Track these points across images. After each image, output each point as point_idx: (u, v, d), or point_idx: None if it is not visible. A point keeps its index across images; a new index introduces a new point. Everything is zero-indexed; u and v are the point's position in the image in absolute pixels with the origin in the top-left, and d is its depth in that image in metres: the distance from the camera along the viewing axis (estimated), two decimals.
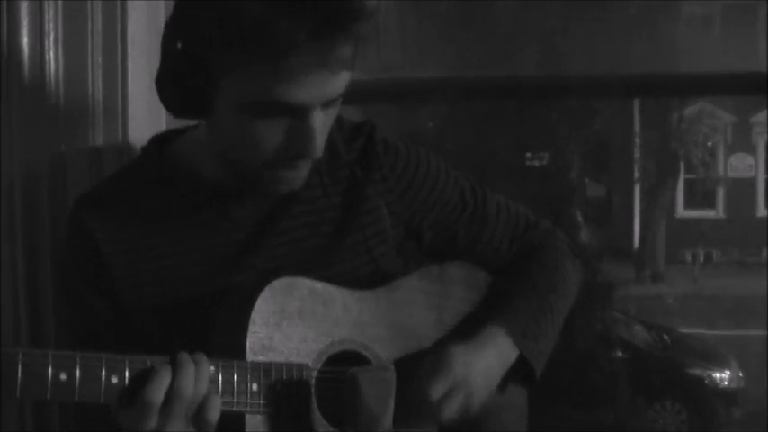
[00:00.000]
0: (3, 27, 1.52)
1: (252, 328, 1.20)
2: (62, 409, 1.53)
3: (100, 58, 1.58)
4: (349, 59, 1.17)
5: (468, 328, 1.36)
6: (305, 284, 1.26)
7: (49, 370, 1.06)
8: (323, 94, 1.17)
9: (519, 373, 1.38)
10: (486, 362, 1.32)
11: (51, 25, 1.54)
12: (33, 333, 1.54)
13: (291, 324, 1.23)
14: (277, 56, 1.11)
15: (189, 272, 1.29)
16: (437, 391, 1.26)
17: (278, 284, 1.23)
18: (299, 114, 1.17)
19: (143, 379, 1.10)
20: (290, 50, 1.10)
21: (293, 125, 1.18)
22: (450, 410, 1.28)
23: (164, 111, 1.57)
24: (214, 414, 1.14)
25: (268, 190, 1.26)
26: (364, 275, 1.34)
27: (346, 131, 1.38)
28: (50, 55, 1.55)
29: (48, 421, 1.56)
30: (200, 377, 1.13)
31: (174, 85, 1.20)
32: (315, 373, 1.24)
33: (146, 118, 1.58)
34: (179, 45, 1.19)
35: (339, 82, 1.17)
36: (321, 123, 1.19)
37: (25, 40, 1.53)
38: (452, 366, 1.28)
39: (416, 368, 1.29)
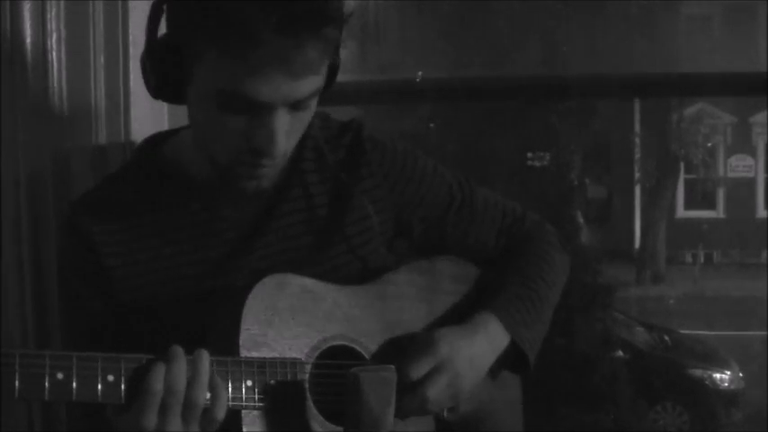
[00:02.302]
0: (6, 27, 1.52)
1: (244, 325, 1.20)
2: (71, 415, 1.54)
3: (102, 58, 1.58)
4: (316, 64, 1.15)
5: (459, 319, 1.37)
6: (295, 281, 1.27)
7: (47, 370, 1.06)
8: (287, 94, 1.16)
9: (512, 361, 1.39)
10: (475, 346, 1.32)
11: (54, 25, 1.55)
12: (39, 331, 1.54)
13: (283, 320, 1.24)
14: (243, 47, 1.11)
15: (183, 272, 1.29)
16: (419, 369, 1.27)
17: (268, 282, 1.24)
18: (262, 112, 1.17)
19: (140, 374, 1.11)
20: (257, 44, 1.10)
21: (256, 122, 1.18)
22: (436, 391, 1.28)
23: (166, 109, 1.58)
24: (221, 412, 1.14)
25: (238, 186, 1.26)
26: (353, 273, 1.35)
27: (333, 129, 1.39)
28: (53, 55, 1.55)
29: (55, 422, 1.56)
30: (197, 373, 1.13)
31: (154, 65, 1.21)
32: (309, 368, 1.24)
33: (148, 117, 1.58)
34: (161, 27, 1.21)
35: (305, 85, 1.16)
36: (286, 124, 1.19)
37: (28, 40, 1.53)
38: (436, 347, 1.29)
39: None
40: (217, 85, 1.16)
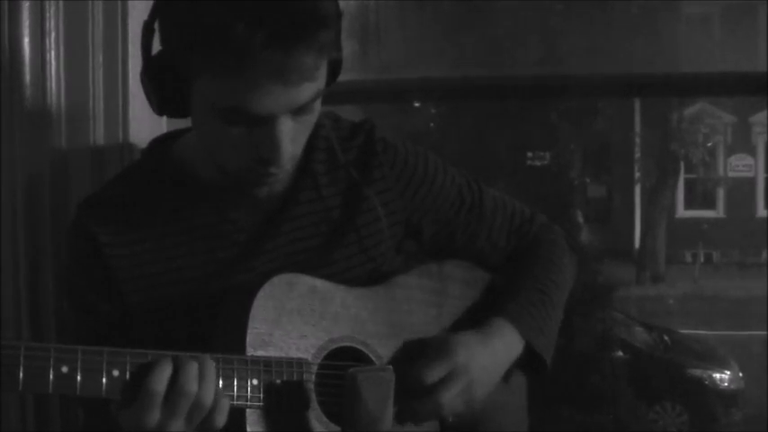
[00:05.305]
0: (4, 27, 1.52)
1: (252, 324, 1.20)
2: (65, 414, 1.53)
3: (101, 58, 1.58)
4: (312, 69, 1.14)
5: (469, 324, 1.36)
6: (304, 281, 1.26)
7: (51, 363, 1.06)
8: (286, 103, 1.15)
9: (526, 366, 1.39)
10: (492, 354, 1.32)
11: (52, 25, 1.55)
12: (35, 330, 1.54)
13: (291, 320, 1.23)
14: (235, 63, 1.10)
15: (191, 274, 1.29)
16: (434, 373, 1.26)
17: (277, 281, 1.23)
18: (263, 122, 1.16)
19: (144, 372, 1.11)
20: (249, 61, 1.10)
21: (259, 132, 1.17)
22: (450, 397, 1.27)
23: None
24: (222, 418, 1.14)
25: (250, 191, 1.26)
26: (362, 274, 1.35)
27: (344, 130, 1.38)
28: (51, 54, 1.55)
29: (49, 421, 1.56)
30: (205, 378, 1.13)
31: (153, 83, 1.21)
32: (314, 369, 1.24)
33: (146, 118, 1.57)
34: (156, 45, 1.20)
35: (302, 92, 1.15)
36: (290, 131, 1.18)
37: (26, 40, 1.53)
38: (454, 352, 1.28)
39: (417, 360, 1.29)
40: (215, 101, 1.15)
